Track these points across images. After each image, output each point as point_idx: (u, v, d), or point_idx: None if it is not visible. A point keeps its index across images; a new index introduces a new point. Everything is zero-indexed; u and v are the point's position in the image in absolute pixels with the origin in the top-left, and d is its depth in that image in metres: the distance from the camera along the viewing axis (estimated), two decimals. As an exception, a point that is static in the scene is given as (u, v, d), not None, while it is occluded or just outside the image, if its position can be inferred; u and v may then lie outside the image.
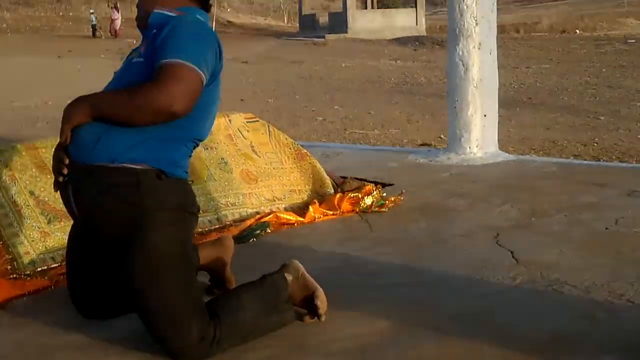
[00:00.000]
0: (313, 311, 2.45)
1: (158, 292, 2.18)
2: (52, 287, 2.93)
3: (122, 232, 2.20)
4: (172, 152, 2.31)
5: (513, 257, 3.12)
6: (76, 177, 2.25)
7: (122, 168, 2.20)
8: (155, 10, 2.38)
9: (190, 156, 2.44)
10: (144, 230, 2.19)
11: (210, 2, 2.57)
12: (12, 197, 3.16)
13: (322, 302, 2.43)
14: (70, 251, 2.52)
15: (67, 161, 2.24)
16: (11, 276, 2.96)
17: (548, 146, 8.29)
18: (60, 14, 40.74)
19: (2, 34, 33.78)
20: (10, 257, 3.02)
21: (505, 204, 4.05)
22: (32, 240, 3.11)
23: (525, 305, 2.59)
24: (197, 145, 2.46)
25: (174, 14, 2.34)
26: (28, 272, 3.01)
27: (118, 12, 34.88)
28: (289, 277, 2.43)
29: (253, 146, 4.25)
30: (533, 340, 2.27)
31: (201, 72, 2.19)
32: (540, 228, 3.58)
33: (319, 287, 2.46)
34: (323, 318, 2.43)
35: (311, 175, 4.28)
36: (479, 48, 5.39)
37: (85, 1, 42.27)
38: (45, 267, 3.04)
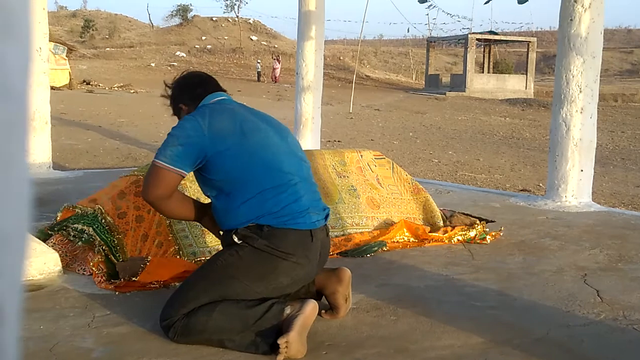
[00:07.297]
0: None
1: (196, 275, 2.37)
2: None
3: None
4: (252, 210, 2.27)
5: (598, 295, 2.93)
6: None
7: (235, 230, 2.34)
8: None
9: (295, 200, 2.30)
10: (227, 250, 2.36)
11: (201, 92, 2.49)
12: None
13: (286, 343, 2.12)
14: None
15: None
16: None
17: (637, 201, 7.78)
18: (234, 61, 42.63)
19: (188, 74, 35.63)
20: (177, 247, 3.15)
21: (595, 248, 3.83)
22: (195, 236, 3.24)
23: (606, 339, 2.42)
24: (286, 189, 2.30)
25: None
26: (191, 259, 3.12)
27: (279, 63, 36.12)
28: (287, 310, 2.20)
29: (378, 178, 4.25)
30: (611, 371, 2.12)
31: (163, 165, 2.22)
32: (626, 273, 3.34)
33: (296, 332, 2.13)
34: (279, 357, 2.11)
35: (424, 207, 4.23)
36: (581, 112, 5.18)
37: (253, 53, 44.13)
38: (203, 258, 3.10)
